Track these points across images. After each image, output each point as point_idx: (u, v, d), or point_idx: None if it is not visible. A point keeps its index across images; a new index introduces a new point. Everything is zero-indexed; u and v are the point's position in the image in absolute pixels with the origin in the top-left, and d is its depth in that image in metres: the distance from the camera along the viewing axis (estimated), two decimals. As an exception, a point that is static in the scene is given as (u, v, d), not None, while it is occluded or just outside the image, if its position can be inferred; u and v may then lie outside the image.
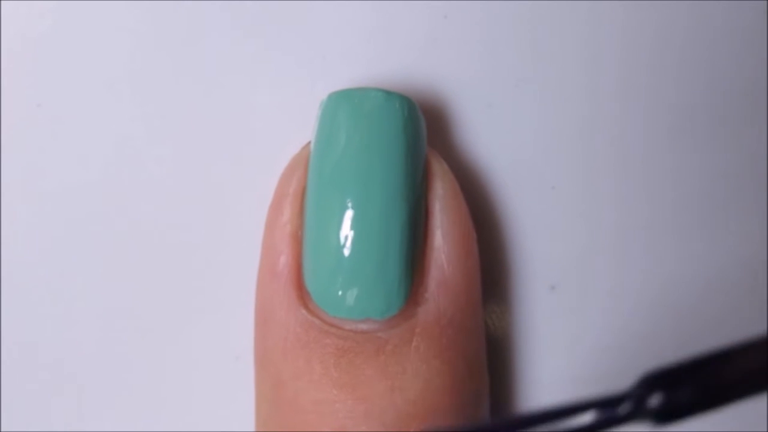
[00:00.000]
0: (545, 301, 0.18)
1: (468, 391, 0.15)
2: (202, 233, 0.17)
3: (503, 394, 0.18)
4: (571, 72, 0.17)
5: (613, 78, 0.17)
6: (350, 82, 0.17)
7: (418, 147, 0.15)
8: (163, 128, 0.17)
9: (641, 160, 0.17)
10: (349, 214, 0.14)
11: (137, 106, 0.17)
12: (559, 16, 0.17)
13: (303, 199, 0.15)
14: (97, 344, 0.17)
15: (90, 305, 0.17)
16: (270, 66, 0.17)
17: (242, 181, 0.17)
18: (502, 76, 0.17)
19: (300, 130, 0.16)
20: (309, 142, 0.15)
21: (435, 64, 0.17)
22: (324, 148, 0.15)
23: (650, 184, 0.17)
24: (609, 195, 0.17)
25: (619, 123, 0.17)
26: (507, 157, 0.17)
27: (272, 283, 0.15)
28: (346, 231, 0.14)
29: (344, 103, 0.15)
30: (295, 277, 0.15)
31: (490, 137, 0.17)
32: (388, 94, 0.15)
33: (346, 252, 0.14)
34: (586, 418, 0.11)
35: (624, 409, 0.11)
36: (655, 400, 0.11)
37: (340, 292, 0.14)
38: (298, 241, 0.15)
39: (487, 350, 0.16)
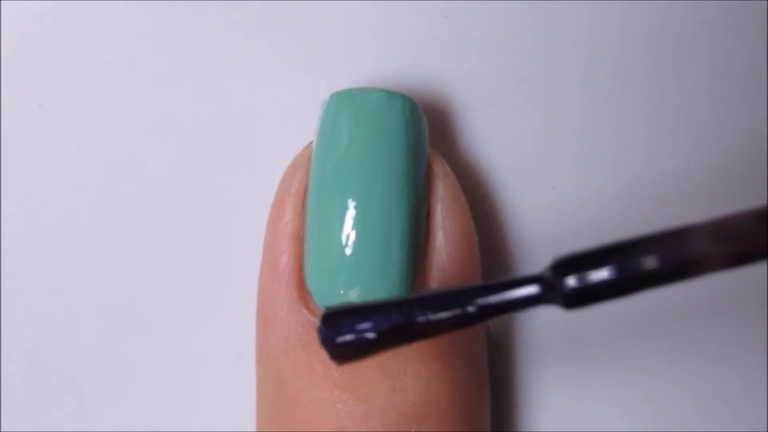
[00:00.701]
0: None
1: (469, 391, 0.15)
2: (204, 233, 0.17)
3: (504, 394, 0.18)
4: (571, 72, 0.17)
5: (613, 78, 0.17)
6: (351, 82, 0.17)
7: (419, 147, 0.15)
8: (163, 128, 0.17)
9: (641, 160, 0.17)
10: (350, 214, 0.14)
11: (137, 106, 0.17)
12: (559, 16, 0.17)
13: (305, 199, 0.15)
14: (98, 343, 0.17)
15: (90, 305, 0.17)
16: (271, 66, 0.17)
17: (244, 180, 0.17)
18: (502, 76, 0.17)
19: (302, 130, 0.16)
20: (311, 142, 0.15)
21: (435, 64, 0.17)
22: (326, 148, 0.15)
23: (650, 184, 0.17)
24: (609, 195, 0.17)
25: (619, 123, 0.17)
26: (507, 157, 0.17)
27: (273, 283, 0.15)
28: (348, 231, 0.14)
29: (346, 104, 0.15)
30: (296, 277, 0.15)
31: (491, 137, 0.17)
32: (390, 94, 0.15)
33: (348, 252, 0.14)
34: (499, 297, 0.11)
35: (535, 291, 0.11)
36: (567, 284, 0.11)
37: (341, 292, 0.14)
38: (299, 240, 0.15)
39: (488, 351, 0.16)
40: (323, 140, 0.15)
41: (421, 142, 0.15)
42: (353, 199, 0.14)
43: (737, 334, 0.18)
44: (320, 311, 0.15)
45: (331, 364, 0.14)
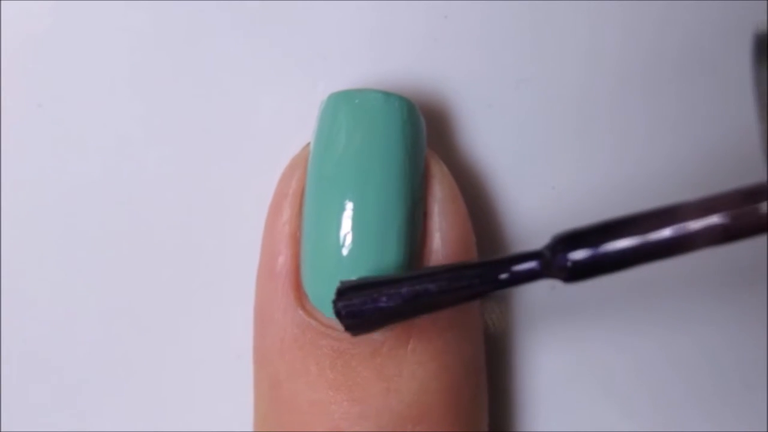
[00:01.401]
0: (545, 301, 0.17)
1: (465, 393, 0.15)
2: (203, 233, 0.17)
3: (502, 395, 0.18)
4: (571, 72, 0.17)
5: (613, 78, 0.17)
6: (350, 82, 0.17)
7: (417, 148, 0.15)
8: (163, 128, 0.17)
9: (641, 160, 0.17)
10: (347, 215, 0.14)
11: (137, 105, 0.17)
12: (559, 15, 0.17)
13: (302, 199, 0.15)
14: (97, 344, 0.17)
15: (90, 305, 0.17)
16: (270, 66, 0.17)
17: (242, 181, 0.17)
18: (502, 76, 0.17)
19: (300, 131, 0.16)
20: (309, 143, 0.15)
21: (435, 64, 0.17)
22: (323, 149, 0.15)
23: (650, 184, 0.17)
24: (609, 195, 0.17)
25: (619, 123, 0.17)
26: (507, 157, 0.17)
27: (270, 284, 0.15)
28: (345, 232, 0.14)
29: (344, 104, 0.15)
30: (293, 278, 0.15)
31: (490, 137, 0.17)
32: (388, 95, 0.15)
33: (344, 252, 0.14)
34: (502, 271, 0.12)
35: (535, 265, 0.12)
36: (566, 258, 0.12)
37: (337, 294, 0.14)
38: (297, 241, 0.15)
39: (487, 350, 0.16)
40: (321, 141, 0.15)
41: (419, 143, 0.15)
42: (350, 200, 0.14)
43: (737, 333, 0.18)
44: (316, 312, 0.15)
45: (327, 365, 0.14)
